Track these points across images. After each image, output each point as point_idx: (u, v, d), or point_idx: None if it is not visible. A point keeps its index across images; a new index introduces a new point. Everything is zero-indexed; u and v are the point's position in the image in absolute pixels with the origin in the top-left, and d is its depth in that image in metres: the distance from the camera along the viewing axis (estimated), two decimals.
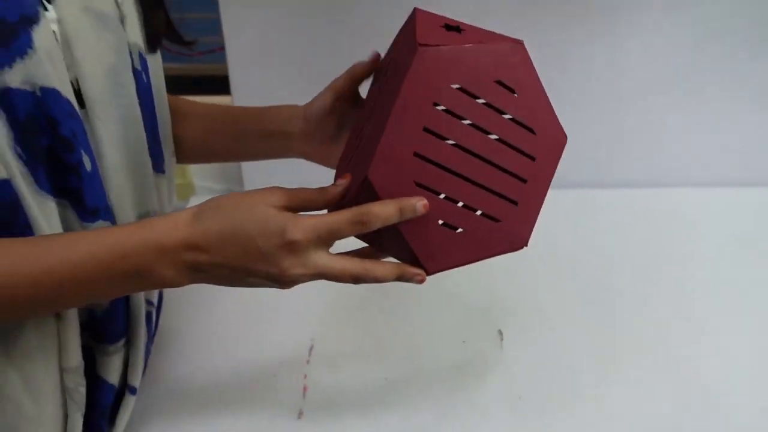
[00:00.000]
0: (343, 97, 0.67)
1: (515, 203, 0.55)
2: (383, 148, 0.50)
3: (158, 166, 0.63)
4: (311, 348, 0.80)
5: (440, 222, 0.53)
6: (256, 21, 1.03)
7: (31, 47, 0.47)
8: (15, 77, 0.47)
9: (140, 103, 0.58)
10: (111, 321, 0.60)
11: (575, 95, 1.07)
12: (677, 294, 0.88)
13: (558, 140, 0.56)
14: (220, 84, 1.08)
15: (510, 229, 0.55)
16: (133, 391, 0.66)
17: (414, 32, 0.52)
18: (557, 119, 0.56)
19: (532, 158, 0.55)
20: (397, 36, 0.61)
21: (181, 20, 0.65)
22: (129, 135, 0.57)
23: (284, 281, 0.51)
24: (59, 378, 0.57)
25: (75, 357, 0.57)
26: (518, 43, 0.53)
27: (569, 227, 1.00)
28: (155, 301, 0.70)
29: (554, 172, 0.56)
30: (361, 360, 0.78)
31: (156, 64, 0.63)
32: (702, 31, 1.02)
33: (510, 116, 0.54)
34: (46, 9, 0.49)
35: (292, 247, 0.50)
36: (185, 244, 0.50)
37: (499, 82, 0.53)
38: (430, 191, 0.52)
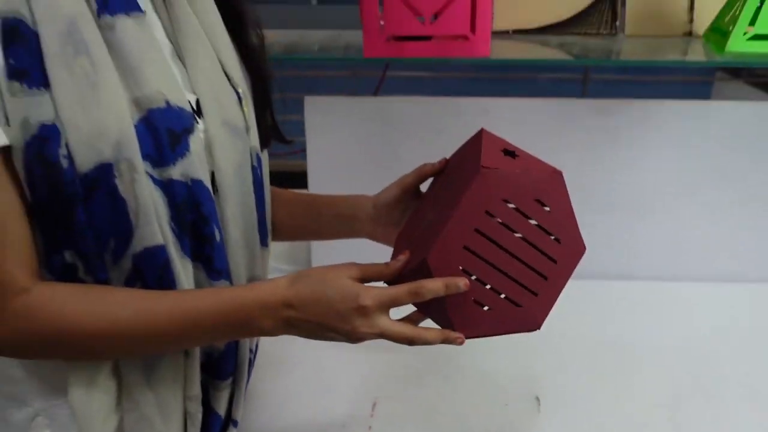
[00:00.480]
0: (409, 191, 0.83)
1: (535, 294, 0.69)
2: (442, 240, 0.66)
3: (263, 241, 0.79)
4: (374, 405, 0.94)
5: (473, 299, 0.68)
6: (335, 126, 1.23)
7: (188, 150, 0.65)
8: (176, 171, 0.64)
9: (254, 192, 0.75)
10: (224, 361, 0.75)
11: (601, 202, 1.24)
12: (695, 374, 1.01)
13: (578, 250, 0.70)
14: (298, 179, 1.27)
15: (528, 313, 0.69)
16: (236, 424, 0.80)
17: (479, 153, 0.68)
18: (580, 234, 0.70)
19: (554, 261, 0.69)
20: (463, 147, 0.78)
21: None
22: (246, 216, 0.74)
23: (354, 338, 0.66)
24: (183, 403, 0.71)
25: (196, 387, 0.72)
26: (557, 173, 0.69)
27: (601, 314, 1.15)
28: (255, 349, 0.85)
29: (571, 274, 0.70)
30: (417, 418, 0.92)
31: (265, 159, 0.81)
32: (704, 149, 1.19)
33: (541, 225, 0.68)
34: (197, 122, 0.68)
35: (363, 311, 0.65)
36: (283, 303, 0.66)
37: (537, 200, 0.68)
38: (469, 275, 0.67)
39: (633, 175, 1.23)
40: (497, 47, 1.12)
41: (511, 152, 0.70)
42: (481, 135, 0.73)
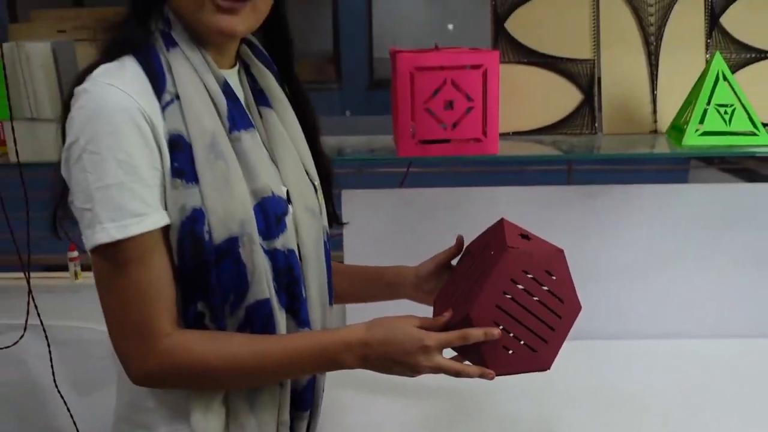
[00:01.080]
0: (442, 265, 1.08)
1: (546, 342, 0.92)
2: (481, 300, 0.89)
3: (330, 300, 1.00)
4: None
5: (502, 345, 0.90)
6: (367, 213, 1.48)
7: (286, 227, 0.88)
8: (278, 243, 0.87)
9: (325, 261, 0.97)
10: (305, 394, 0.94)
11: (591, 270, 1.48)
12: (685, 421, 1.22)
13: (576, 308, 0.93)
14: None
15: (541, 357, 0.92)
16: None
17: (504, 236, 0.93)
18: (576, 295, 0.94)
19: (559, 317, 0.93)
20: (487, 233, 1.03)
21: None
22: (320, 279, 0.95)
23: (416, 371, 0.87)
24: (276, 428, 0.90)
25: (286, 413, 0.91)
26: (560, 251, 0.94)
27: (599, 367, 1.36)
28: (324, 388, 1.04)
29: (572, 326, 0.93)
30: None
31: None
32: (681, 226, 1.45)
33: (549, 290, 0.93)
34: (289, 207, 0.91)
35: (425, 350, 0.86)
36: (361, 343, 0.86)
37: (547, 271, 0.93)
38: (498, 325, 0.90)
39: (617, 248, 1.48)
40: (501, 146, 1.39)
41: (525, 236, 0.96)
42: (502, 223, 0.99)
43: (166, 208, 0.80)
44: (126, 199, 0.76)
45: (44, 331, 1.51)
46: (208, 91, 0.84)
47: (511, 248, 0.90)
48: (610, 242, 1.48)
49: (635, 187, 1.47)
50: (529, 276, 0.91)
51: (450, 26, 5.80)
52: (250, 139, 0.86)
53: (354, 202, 1.47)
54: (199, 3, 0.82)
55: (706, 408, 1.23)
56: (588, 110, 1.46)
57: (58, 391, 1.56)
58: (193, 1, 0.82)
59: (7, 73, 1.25)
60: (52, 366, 1.54)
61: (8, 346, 1.55)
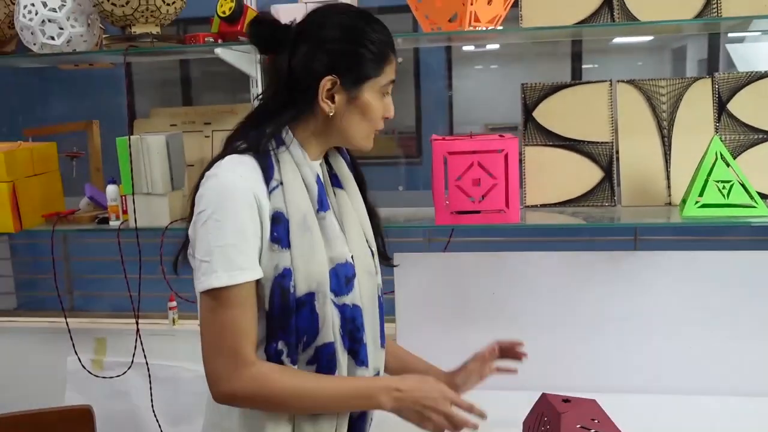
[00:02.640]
0: (471, 372, 1.30)
1: None
2: None
3: (382, 344, 1.18)
4: None
5: None
6: (417, 273, 1.72)
7: (353, 287, 1.11)
8: (347, 299, 1.09)
9: (378, 312, 1.17)
10: (359, 422, 1.15)
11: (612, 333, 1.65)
12: None
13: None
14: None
15: None
16: None
17: (553, 406, 1.23)
18: (618, 429, 1.20)
19: None
20: (536, 408, 1.32)
21: None
22: (374, 327, 1.16)
23: (438, 413, 1.07)
24: None
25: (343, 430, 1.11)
26: (594, 401, 1.26)
27: None
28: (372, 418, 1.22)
29: None
30: None
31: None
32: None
33: (598, 430, 1.19)
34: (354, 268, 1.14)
35: (445, 398, 1.08)
36: (396, 388, 1.07)
37: (592, 419, 1.20)
38: None
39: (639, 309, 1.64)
40: (529, 217, 1.61)
41: (566, 400, 1.26)
42: (546, 396, 1.30)
43: (260, 266, 1.04)
44: (236, 255, 1.00)
45: (147, 367, 1.83)
46: (303, 179, 1.08)
47: (562, 413, 1.21)
48: (632, 303, 1.65)
49: (655, 253, 1.64)
50: (584, 428, 1.20)
51: None
52: (330, 217, 1.10)
53: (404, 264, 1.72)
54: (372, 136, 1.12)
55: None
56: (608, 184, 1.66)
57: (156, 420, 1.86)
58: (369, 134, 1.11)
59: (132, 159, 1.62)
60: (151, 397, 1.85)
61: (117, 376, 1.88)
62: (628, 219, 1.59)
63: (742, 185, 1.45)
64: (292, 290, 1.03)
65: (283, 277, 1.03)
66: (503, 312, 1.71)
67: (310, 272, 1.04)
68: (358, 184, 1.21)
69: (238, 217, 1.01)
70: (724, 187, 1.45)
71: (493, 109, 6.08)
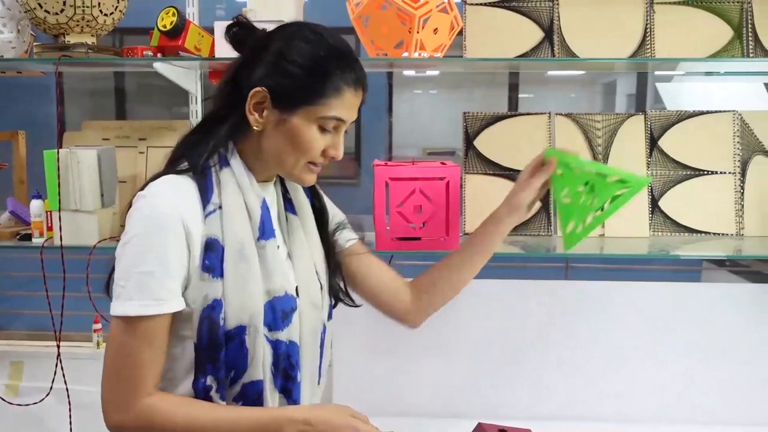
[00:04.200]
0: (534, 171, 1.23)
1: None
2: None
3: (319, 381, 1.14)
4: None
5: None
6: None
7: (291, 321, 1.06)
8: (283, 335, 1.04)
9: (319, 348, 1.12)
10: None
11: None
12: None
13: None
14: None
15: None
16: None
17: None
18: None
19: None
20: None
21: None
22: (312, 364, 1.11)
23: None
24: None
25: None
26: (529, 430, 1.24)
27: None
28: None
29: None
30: None
31: (329, 327, 1.19)
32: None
33: None
34: (296, 299, 1.09)
35: (356, 429, 1.01)
36: (304, 420, 0.98)
37: None
38: None
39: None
40: None
41: (503, 430, 1.27)
42: (482, 425, 1.29)
43: (184, 295, 0.99)
44: (154, 285, 0.95)
45: (68, 393, 1.73)
46: (246, 204, 1.03)
47: None
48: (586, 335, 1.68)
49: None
50: None
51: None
52: (272, 246, 1.05)
53: None
54: (300, 165, 1.04)
55: None
56: (545, 215, 1.69)
57: None
58: (296, 163, 1.03)
59: (60, 173, 1.54)
60: (70, 426, 1.75)
61: (34, 403, 1.77)
62: (562, 249, 1.62)
63: (601, 175, 1.20)
64: (221, 323, 0.99)
65: (213, 308, 0.98)
66: (438, 339, 1.71)
67: (242, 305, 0.99)
68: (318, 217, 1.18)
69: (162, 245, 0.96)
70: (581, 194, 1.21)
71: (431, 133, 6.18)
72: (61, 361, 1.70)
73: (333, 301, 1.19)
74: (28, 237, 1.63)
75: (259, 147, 1.05)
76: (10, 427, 1.80)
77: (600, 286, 1.71)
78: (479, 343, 1.71)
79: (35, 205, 1.60)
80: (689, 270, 2.76)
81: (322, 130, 1.03)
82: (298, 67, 1.00)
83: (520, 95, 6.05)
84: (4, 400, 1.82)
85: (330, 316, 1.18)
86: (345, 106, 1.03)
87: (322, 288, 1.13)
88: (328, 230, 1.20)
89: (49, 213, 1.60)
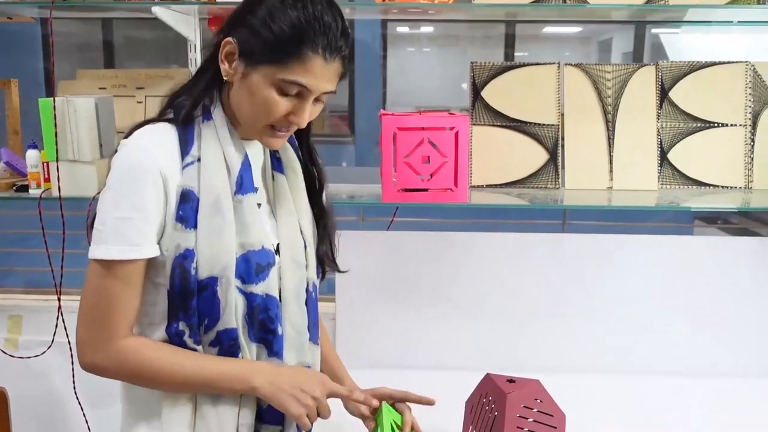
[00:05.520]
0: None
1: None
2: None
3: (312, 339, 1.14)
4: None
5: None
6: (360, 252, 1.68)
7: (268, 276, 1.05)
8: (258, 288, 1.04)
9: (307, 306, 1.12)
10: (270, 412, 1.08)
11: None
12: None
13: (562, 416, 1.20)
14: None
15: None
16: None
17: (498, 387, 1.20)
18: (560, 408, 1.20)
19: (554, 427, 1.19)
20: (477, 390, 1.28)
21: None
22: (298, 320, 1.11)
23: (314, 400, 1.02)
24: (237, 427, 1.05)
25: (247, 418, 1.05)
26: (538, 381, 1.22)
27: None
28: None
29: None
30: None
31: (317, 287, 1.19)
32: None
33: (541, 411, 1.18)
34: (276, 256, 1.08)
35: (323, 384, 1.04)
36: (274, 371, 1.01)
37: (535, 399, 1.18)
38: None
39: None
40: (475, 196, 1.60)
41: (511, 380, 1.24)
42: (490, 376, 1.27)
43: (159, 243, 0.99)
44: (130, 231, 0.96)
45: (70, 347, 1.71)
46: (225, 158, 1.03)
47: (508, 393, 1.19)
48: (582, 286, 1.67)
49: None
50: (527, 407, 1.20)
51: (464, 86, 6.12)
52: (251, 201, 1.04)
53: (348, 241, 1.67)
54: (259, 126, 1.01)
55: None
56: (552, 168, 1.67)
57: (79, 402, 1.75)
58: (257, 124, 1.00)
59: (57, 122, 1.49)
60: (73, 379, 1.73)
61: (35, 356, 1.75)
62: (571, 202, 1.60)
63: None
64: (193, 272, 0.99)
65: (185, 257, 0.99)
66: (446, 292, 1.70)
67: (213, 256, 0.99)
68: (311, 181, 1.16)
69: (139, 192, 0.96)
70: None
71: (426, 92, 6.10)
72: (62, 314, 1.68)
73: (320, 272, 1.18)
74: (24, 188, 1.59)
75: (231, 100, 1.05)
76: (11, 380, 1.78)
77: (602, 238, 1.69)
78: (485, 295, 1.71)
79: (32, 155, 1.56)
80: (681, 227, 2.76)
81: (283, 93, 0.99)
82: (266, 25, 0.97)
83: (515, 53, 5.97)
84: (4, 352, 1.81)
85: (320, 276, 1.18)
86: (310, 73, 0.97)
87: (306, 247, 1.12)
88: (322, 197, 1.18)
89: (45, 164, 1.56)
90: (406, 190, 1.48)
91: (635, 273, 1.68)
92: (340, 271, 1.23)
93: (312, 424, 1.06)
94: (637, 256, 1.67)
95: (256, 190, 1.06)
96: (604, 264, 1.68)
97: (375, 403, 1.15)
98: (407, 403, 1.17)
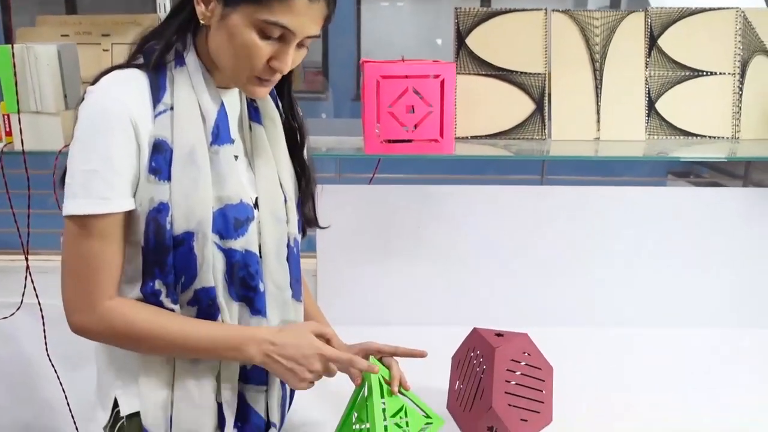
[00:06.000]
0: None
1: (542, 402, 1.19)
2: (495, 394, 1.14)
3: (295, 296, 1.10)
4: None
5: (519, 419, 1.16)
6: (341, 206, 1.63)
7: (247, 231, 1.00)
8: (237, 244, 0.99)
9: (289, 262, 1.07)
10: (254, 372, 1.05)
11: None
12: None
13: (550, 369, 1.22)
14: None
15: (544, 414, 1.19)
16: (274, 425, 1.09)
17: (486, 341, 1.20)
18: (546, 360, 1.20)
19: (542, 380, 1.19)
20: (465, 344, 1.28)
21: None
22: (280, 276, 1.06)
23: (312, 372, 0.99)
24: (218, 390, 1.02)
25: (230, 380, 1.02)
26: (526, 334, 1.23)
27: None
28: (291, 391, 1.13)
29: (552, 384, 1.19)
30: None
31: (299, 242, 1.15)
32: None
33: (529, 364, 1.18)
34: (256, 212, 1.03)
35: (321, 357, 0.99)
36: (268, 340, 0.98)
37: (524, 352, 1.18)
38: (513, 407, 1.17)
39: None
40: (460, 148, 1.55)
41: (499, 334, 1.22)
42: (477, 330, 1.25)
43: (134, 196, 0.94)
44: (99, 184, 0.90)
45: (40, 308, 1.64)
46: (200, 107, 0.96)
47: (497, 347, 1.18)
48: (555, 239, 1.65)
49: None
50: (515, 361, 1.19)
51: (439, 41, 6.01)
52: (227, 152, 0.98)
53: (328, 195, 1.62)
54: (243, 75, 0.95)
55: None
56: (539, 118, 1.62)
57: (52, 365, 1.69)
58: (239, 71, 0.94)
59: (17, 71, 1.40)
60: (45, 341, 1.67)
61: (3, 318, 1.69)
62: (558, 153, 1.56)
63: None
64: (168, 226, 0.94)
65: (159, 211, 0.93)
66: (429, 247, 1.67)
67: (189, 210, 0.94)
68: (292, 135, 1.10)
69: (108, 142, 0.90)
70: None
71: (400, 48, 5.97)
72: (30, 275, 1.61)
73: (302, 230, 1.14)
74: None
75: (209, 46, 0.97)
76: None
77: (586, 190, 1.67)
78: (469, 249, 1.68)
79: None
80: (655, 180, 2.75)
81: (265, 36, 0.92)
82: None
83: (491, 3, 5.86)
84: None
85: (302, 231, 1.14)
86: (293, 13, 0.90)
87: (286, 201, 1.07)
88: (303, 152, 1.13)
89: (6, 116, 1.47)
90: (390, 141, 1.43)
91: (621, 225, 1.66)
92: (321, 227, 1.18)
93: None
94: (623, 208, 1.65)
95: (232, 141, 1.00)
96: (590, 216, 1.65)
97: (376, 369, 1.08)
98: (395, 358, 1.14)
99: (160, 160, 0.93)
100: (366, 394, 1.08)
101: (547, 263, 1.67)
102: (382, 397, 1.07)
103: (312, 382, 1.02)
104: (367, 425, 1.06)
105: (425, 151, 1.43)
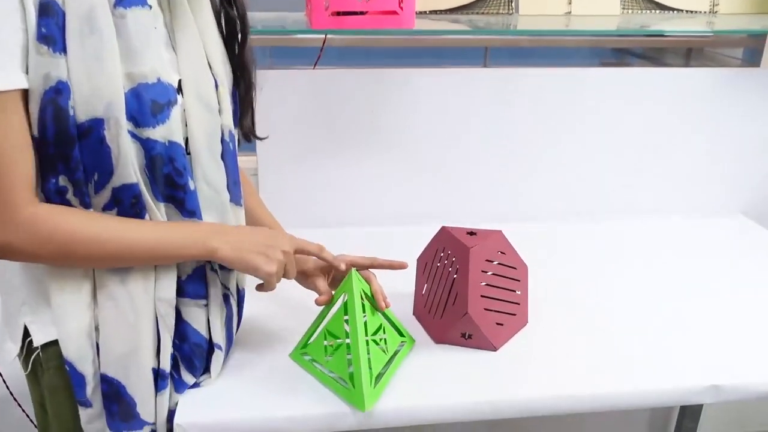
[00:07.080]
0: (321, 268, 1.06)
1: (518, 303, 1.11)
2: (470, 298, 1.04)
3: (234, 199, 0.94)
4: None
5: (495, 323, 1.07)
6: (282, 94, 1.43)
7: (168, 118, 0.82)
8: (157, 133, 0.81)
9: (224, 159, 0.90)
10: (191, 284, 0.90)
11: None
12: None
13: (525, 268, 1.13)
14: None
15: (520, 316, 1.12)
16: (219, 347, 0.95)
17: (459, 240, 1.08)
18: (521, 258, 1.12)
19: (518, 280, 1.11)
20: (432, 243, 1.15)
21: None
22: (214, 175, 0.90)
23: (277, 254, 0.89)
24: (154, 303, 0.87)
25: (167, 292, 0.87)
26: (500, 232, 1.12)
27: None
28: (233, 292, 0.97)
29: (527, 283, 1.11)
30: None
31: (236, 137, 0.97)
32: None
33: (503, 263, 1.09)
34: (178, 95, 0.84)
35: (290, 238, 0.92)
36: (234, 229, 0.89)
37: (499, 251, 1.09)
38: (487, 310, 1.06)
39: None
40: (420, 23, 1.35)
41: (471, 232, 1.11)
42: (446, 229, 1.13)
43: (26, 73, 0.74)
44: None
45: None
46: None
47: (471, 247, 1.05)
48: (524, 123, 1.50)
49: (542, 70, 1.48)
50: (489, 261, 1.08)
51: None
52: (140, 18, 0.79)
53: (266, 83, 1.40)
54: None
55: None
56: None
57: None
58: None
59: None
60: None
61: None
62: (525, 27, 1.40)
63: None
64: (71, 111, 0.76)
65: (58, 92, 0.75)
66: (384, 139, 1.50)
67: (94, 90, 0.76)
68: (234, 28, 0.92)
69: None
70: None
71: None
72: None
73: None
74: None
75: None
76: None
77: (558, 72, 1.51)
78: (426, 142, 1.51)
79: None
80: (586, 67, 2.64)
81: None
82: None
83: None
84: None
85: (239, 125, 0.97)
86: None
87: (218, 86, 0.89)
88: (244, 51, 0.95)
89: None
90: (340, 13, 1.22)
91: (588, 110, 1.52)
92: (259, 138, 1.03)
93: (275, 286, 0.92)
94: (589, 91, 1.51)
95: (145, 3, 0.80)
96: (559, 101, 1.51)
97: (343, 267, 1.00)
98: (372, 270, 1.01)
99: (50, 24, 0.74)
100: (339, 310, 0.97)
101: (511, 154, 1.53)
102: (364, 312, 0.95)
103: (280, 277, 0.91)
104: (341, 341, 0.95)
105: (382, 25, 1.23)
